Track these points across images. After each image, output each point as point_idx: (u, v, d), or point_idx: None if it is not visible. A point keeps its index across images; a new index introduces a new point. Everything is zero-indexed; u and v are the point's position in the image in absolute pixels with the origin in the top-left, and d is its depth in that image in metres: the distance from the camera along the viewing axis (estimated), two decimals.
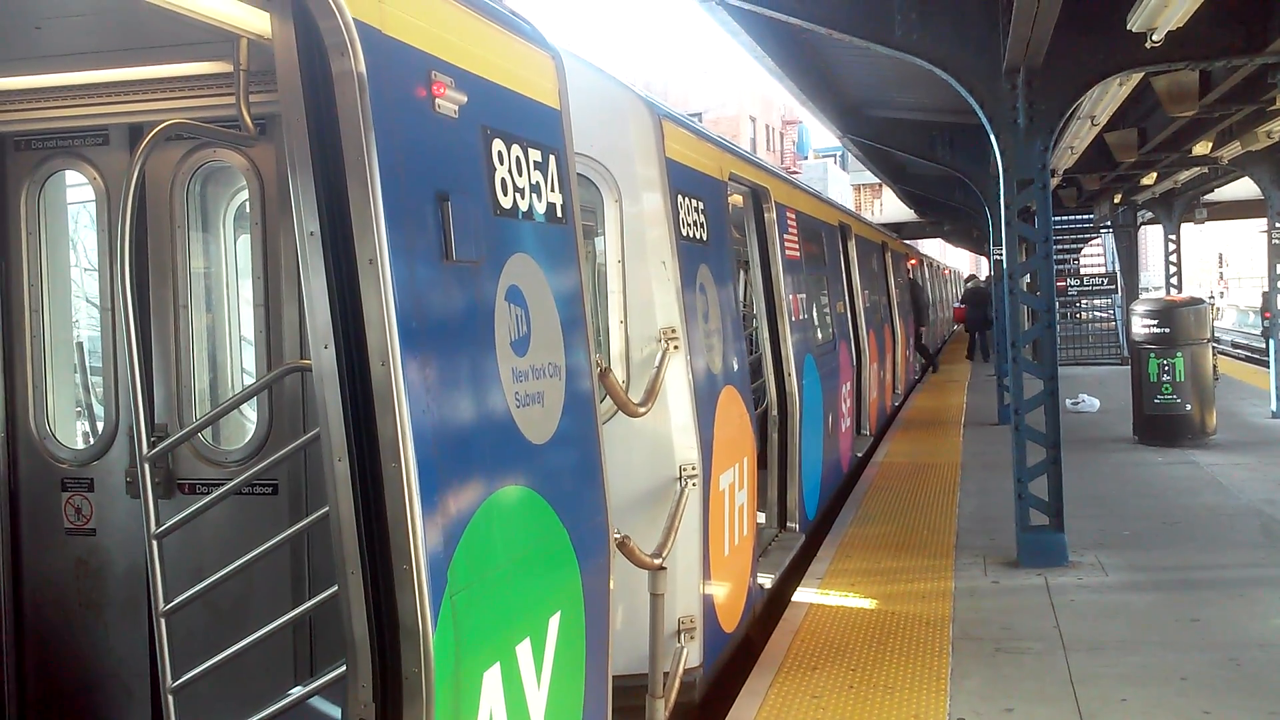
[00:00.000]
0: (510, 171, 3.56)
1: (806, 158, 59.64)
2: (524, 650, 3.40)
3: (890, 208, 37.56)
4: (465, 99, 3.28)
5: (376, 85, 2.86)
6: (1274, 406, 15.67)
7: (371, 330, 2.84)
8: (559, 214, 3.95)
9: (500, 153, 3.51)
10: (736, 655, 6.62)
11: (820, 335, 10.28)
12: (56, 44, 4.14)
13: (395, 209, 2.90)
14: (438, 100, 3.15)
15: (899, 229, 35.10)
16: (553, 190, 3.90)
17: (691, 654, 5.62)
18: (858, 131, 16.84)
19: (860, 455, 12.83)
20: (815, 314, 10.15)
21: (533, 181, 3.73)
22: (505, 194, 3.51)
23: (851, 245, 13.52)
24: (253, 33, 3.18)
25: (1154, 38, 7.42)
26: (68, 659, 4.93)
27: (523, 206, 3.64)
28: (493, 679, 3.19)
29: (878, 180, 31.27)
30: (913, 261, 24.64)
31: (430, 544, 2.89)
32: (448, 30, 3.30)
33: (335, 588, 2.95)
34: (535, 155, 3.77)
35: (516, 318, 3.52)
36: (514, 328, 3.50)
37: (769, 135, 60.09)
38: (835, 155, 55.72)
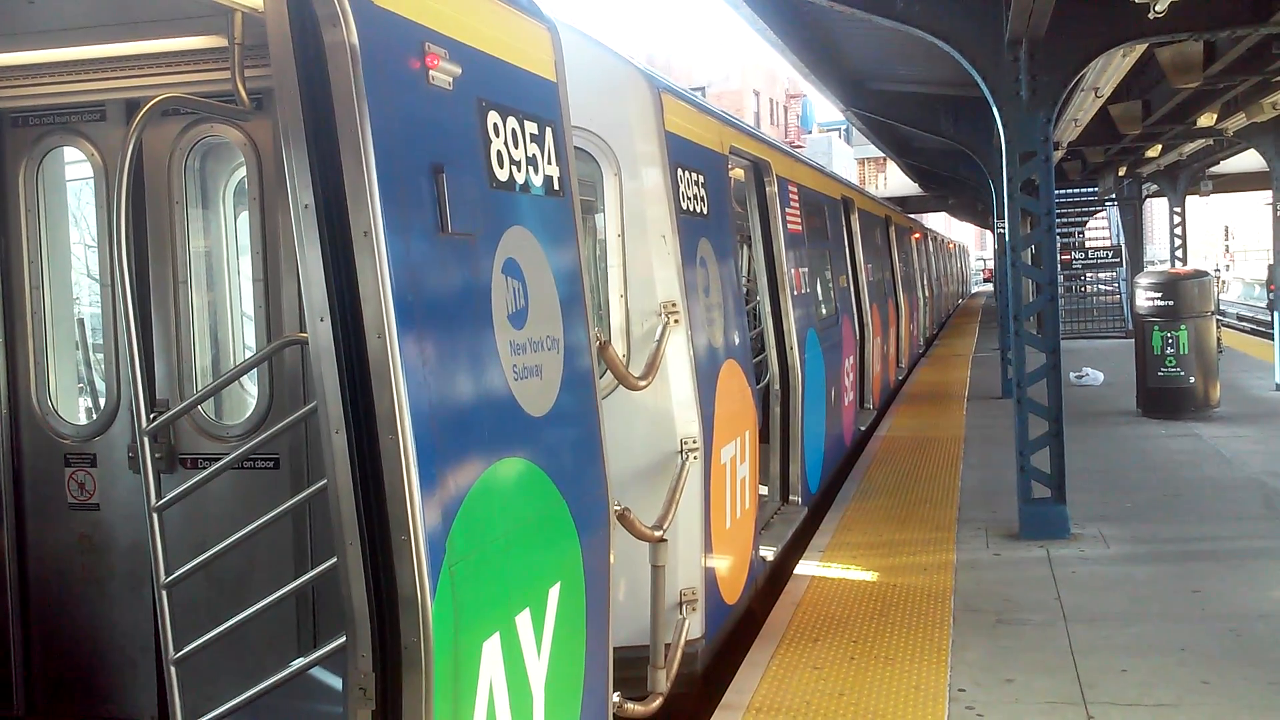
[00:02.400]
0: (506, 144, 3.55)
1: (810, 131, 59.44)
2: (524, 621, 3.42)
3: (894, 181, 37.47)
4: (460, 71, 3.27)
5: (369, 57, 2.86)
6: (1278, 379, 15.65)
7: (367, 303, 2.85)
8: (556, 187, 3.94)
9: (496, 125, 3.50)
10: (739, 627, 6.65)
11: (823, 309, 10.26)
12: (50, 18, 4.12)
13: (390, 181, 2.89)
14: (432, 72, 3.14)
15: (903, 203, 34.99)
16: (550, 163, 3.89)
17: (693, 625, 5.65)
18: (861, 105, 16.74)
19: (863, 429, 12.84)
20: (818, 288, 10.14)
21: (529, 154, 3.72)
22: (501, 167, 3.51)
23: (854, 219, 13.48)
24: (246, 5, 3.17)
25: (1157, 8, 7.36)
26: (73, 633, 4.97)
27: (519, 179, 3.64)
28: (492, 649, 3.21)
29: (882, 154, 31.13)
30: (916, 236, 24.57)
31: (428, 515, 2.90)
32: (441, 2, 3.29)
33: (335, 559, 2.97)
34: (531, 128, 3.76)
35: (514, 291, 3.52)
36: (511, 301, 3.50)
37: (773, 109, 59.86)
38: (839, 129, 55.52)
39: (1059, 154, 16.77)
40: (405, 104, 3.04)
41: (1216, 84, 12.27)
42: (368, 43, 2.86)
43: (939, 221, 65.14)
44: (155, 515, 3.64)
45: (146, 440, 3.72)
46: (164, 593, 3.57)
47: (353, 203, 2.84)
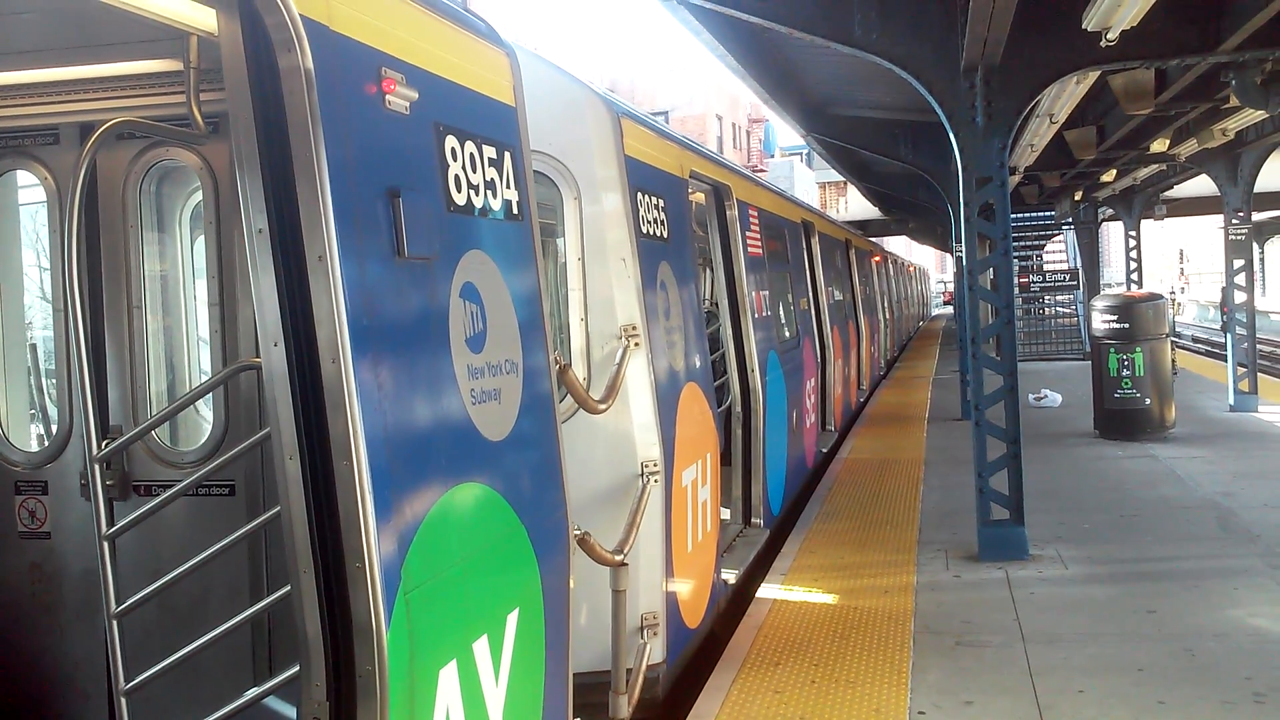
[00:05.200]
0: (464, 168, 3.55)
1: (773, 156, 59.84)
2: (481, 647, 3.39)
3: (855, 205, 37.77)
4: (417, 95, 3.27)
5: (325, 81, 2.85)
6: (1231, 400, 15.90)
7: (321, 328, 2.83)
8: (515, 211, 3.95)
9: (454, 149, 3.50)
10: (701, 651, 6.64)
11: (784, 332, 10.32)
12: (4, 42, 4.08)
13: (345, 206, 2.88)
14: (388, 97, 3.14)
15: (864, 226, 35.32)
16: (508, 187, 3.90)
17: (654, 650, 5.64)
18: (821, 130, 16.91)
19: (825, 451, 12.89)
20: (779, 311, 10.19)
21: (487, 178, 3.72)
22: (459, 191, 3.51)
23: (815, 242, 13.59)
24: (201, 29, 3.16)
25: (1109, 36, 7.51)
26: (23, 663, 4.87)
27: (477, 203, 3.64)
28: (449, 676, 3.19)
29: (843, 178, 31.42)
30: (877, 259, 24.81)
31: (383, 542, 2.88)
32: (399, 27, 3.30)
33: (288, 587, 2.93)
34: (490, 152, 3.77)
35: (472, 315, 3.52)
36: (469, 325, 3.49)
37: (735, 133, 60.27)
38: (801, 153, 55.91)
39: (1016, 179, 17.04)
40: (361, 128, 3.04)
41: (1168, 111, 12.51)
42: (323, 67, 2.86)
43: (900, 245, 65.72)
44: (106, 544, 3.58)
45: (98, 467, 3.67)
46: (114, 622, 3.52)
47: (307, 227, 2.83)
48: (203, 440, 4.82)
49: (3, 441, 4.92)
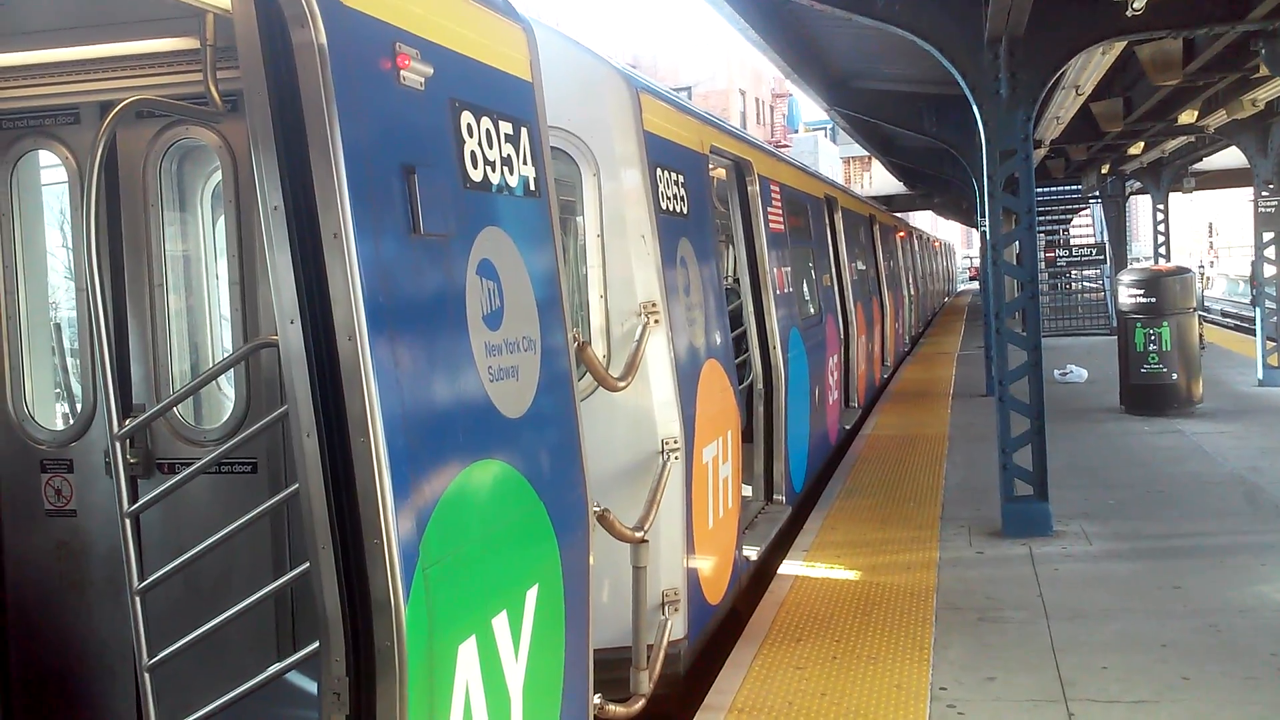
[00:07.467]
0: (480, 144, 3.54)
1: (797, 131, 59.49)
2: (500, 623, 3.41)
3: (880, 180, 37.53)
4: (432, 71, 3.26)
5: (338, 57, 2.84)
6: (1260, 375, 15.73)
7: (338, 305, 2.83)
8: (532, 187, 3.93)
9: (470, 125, 3.48)
10: (723, 627, 6.65)
11: (806, 308, 10.27)
12: (22, 21, 4.10)
13: (360, 182, 2.88)
14: (403, 72, 3.13)
15: (888, 201, 35.07)
16: (525, 163, 3.88)
17: (676, 626, 5.65)
18: (845, 104, 16.76)
19: (848, 428, 12.85)
20: (801, 287, 10.14)
21: (504, 154, 3.71)
22: (475, 167, 3.50)
23: (838, 218, 13.50)
24: (216, 7, 3.15)
25: (1135, 6, 7.40)
26: (50, 641, 4.93)
27: (494, 180, 3.63)
28: (468, 652, 3.20)
29: (867, 153, 31.19)
30: (901, 234, 24.63)
31: (401, 519, 2.89)
32: (413, 2, 3.28)
33: (308, 564, 2.95)
34: (506, 128, 3.75)
35: (489, 291, 3.51)
36: (486, 301, 3.49)
37: (759, 109, 59.95)
38: (825, 128, 55.55)
39: (1042, 152, 16.83)
40: (375, 105, 3.03)
41: (1196, 81, 12.33)
42: (336, 43, 2.85)
43: (926, 220, 65.31)
44: (128, 520, 3.61)
45: (119, 445, 3.70)
46: (137, 599, 3.55)
47: (322, 204, 2.83)
48: (225, 418, 4.85)
49: (29, 420, 4.96)
